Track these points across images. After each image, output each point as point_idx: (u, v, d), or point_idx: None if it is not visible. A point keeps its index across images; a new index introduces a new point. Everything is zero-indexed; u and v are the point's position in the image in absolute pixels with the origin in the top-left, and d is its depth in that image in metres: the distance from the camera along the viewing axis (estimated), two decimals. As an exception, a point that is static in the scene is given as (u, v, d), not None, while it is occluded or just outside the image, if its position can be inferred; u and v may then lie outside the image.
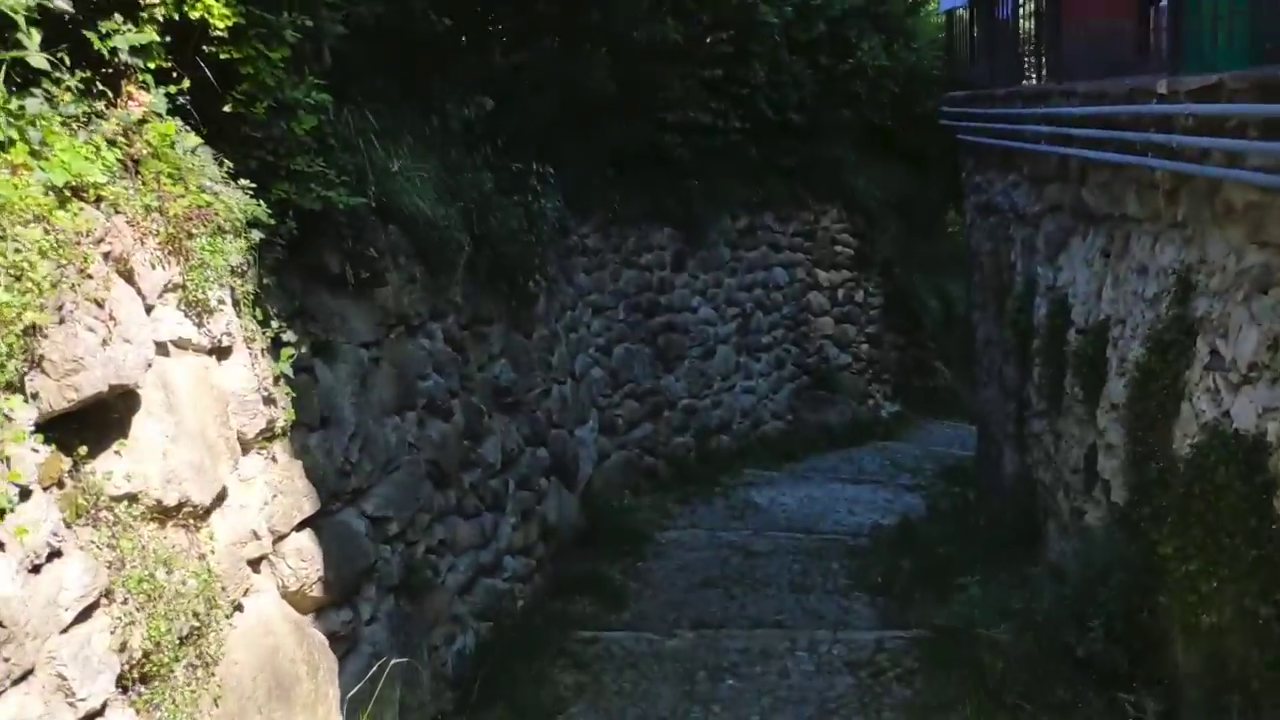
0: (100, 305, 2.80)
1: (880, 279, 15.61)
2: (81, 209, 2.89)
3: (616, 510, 8.74)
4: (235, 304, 3.74)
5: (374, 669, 4.45)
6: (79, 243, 2.79)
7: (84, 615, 2.64)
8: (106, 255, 2.95)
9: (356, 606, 4.49)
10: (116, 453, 2.93)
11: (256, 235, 3.72)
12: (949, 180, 17.15)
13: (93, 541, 2.75)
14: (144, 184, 3.25)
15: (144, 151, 3.30)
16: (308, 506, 3.99)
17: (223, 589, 3.28)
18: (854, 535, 8.45)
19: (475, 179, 6.52)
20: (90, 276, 2.80)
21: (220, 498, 3.45)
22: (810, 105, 13.01)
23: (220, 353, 3.62)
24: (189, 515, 3.22)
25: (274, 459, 3.85)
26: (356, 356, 4.83)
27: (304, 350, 4.15)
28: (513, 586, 6.67)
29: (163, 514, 3.09)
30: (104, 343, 2.77)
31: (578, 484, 8.39)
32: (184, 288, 3.38)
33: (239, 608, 3.45)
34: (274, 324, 3.91)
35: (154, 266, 3.21)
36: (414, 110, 6.13)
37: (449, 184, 6.16)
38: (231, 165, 3.76)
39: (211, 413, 3.44)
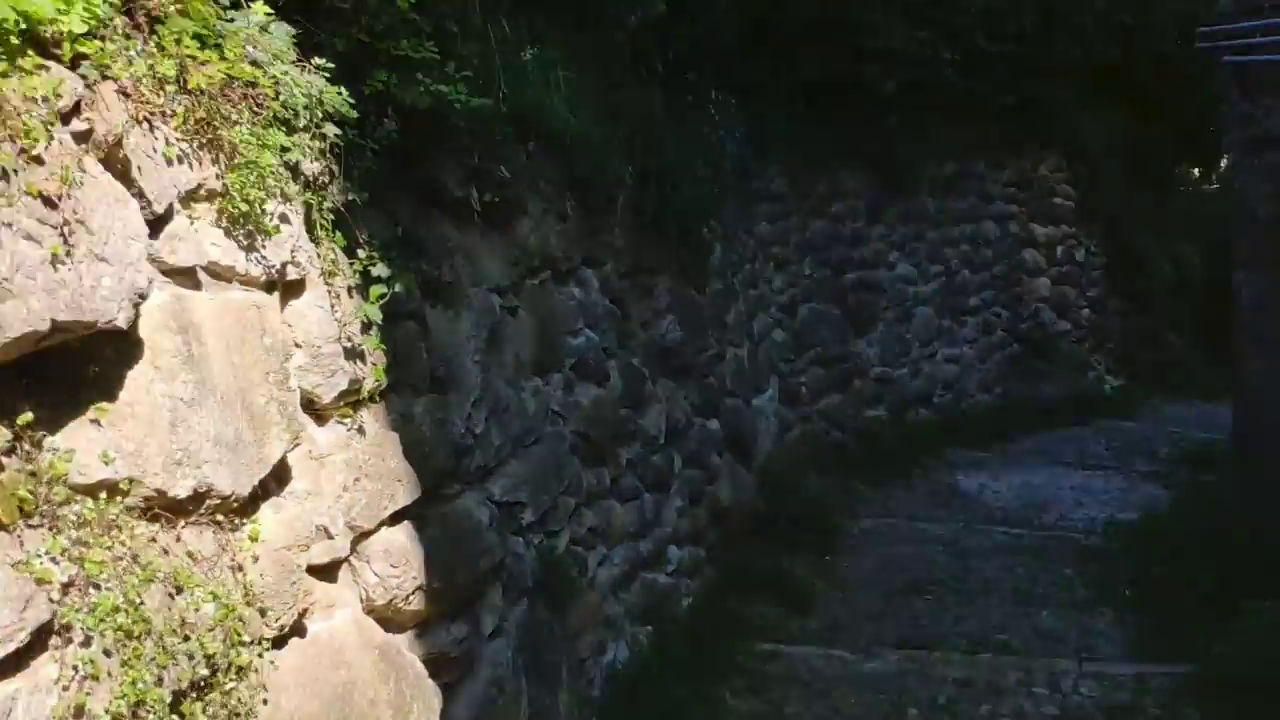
0: (53, 205, 1.89)
1: (1103, 237, 13.75)
2: (44, 67, 1.99)
3: (801, 492, 7.59)
4: (309, 226, 2.81)
5: (498, 697, 3.52)
6: (26, 111, 1.89)
7: (5, 667, 1.75)
8: (80, 136, 2.04)
9: (477, 616, 3.55)
10: (94, 422, 2.04)
11: (333, 131, 2.77)
12: (1182, 129, 15.12)
13: (40, 552, 1.86)
14: (160, 48, 2.33)
15: (169, 7, 2.38)
16: (402, 495, 3.04)
17: (263, 612, 2.37)
18: (1085, 533, 7.01)
19: (643, 97, 5.47)
20: (39, 161, 1.89)
21: (271, 485, 2.54)
22: (1030, 35, 11.34)
23: (283, 288, 2.70)
24: (217, 510, 2.31)
25: (360, 430, 2.92)
26: (485, 303, 3.87)
27: (408, 291, 3.20)
28: (679, 582, 5.65)
29: (170, 509, 2.19)
30: (54, 260, 1.86)
31: (755, 460, 7.29)
32: (224, 195, 2.46)
33: (292, 634, 2.54)
34: (362, 254, 2.97)
35: (171, 161, 2.29)
36: (566, 8, 5.11)
37: (609, 100, 5.13)
38: (307, 43, 2.84)
39: (261, 368, 2.52)
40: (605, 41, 5.38)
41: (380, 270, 2.99)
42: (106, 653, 1.91)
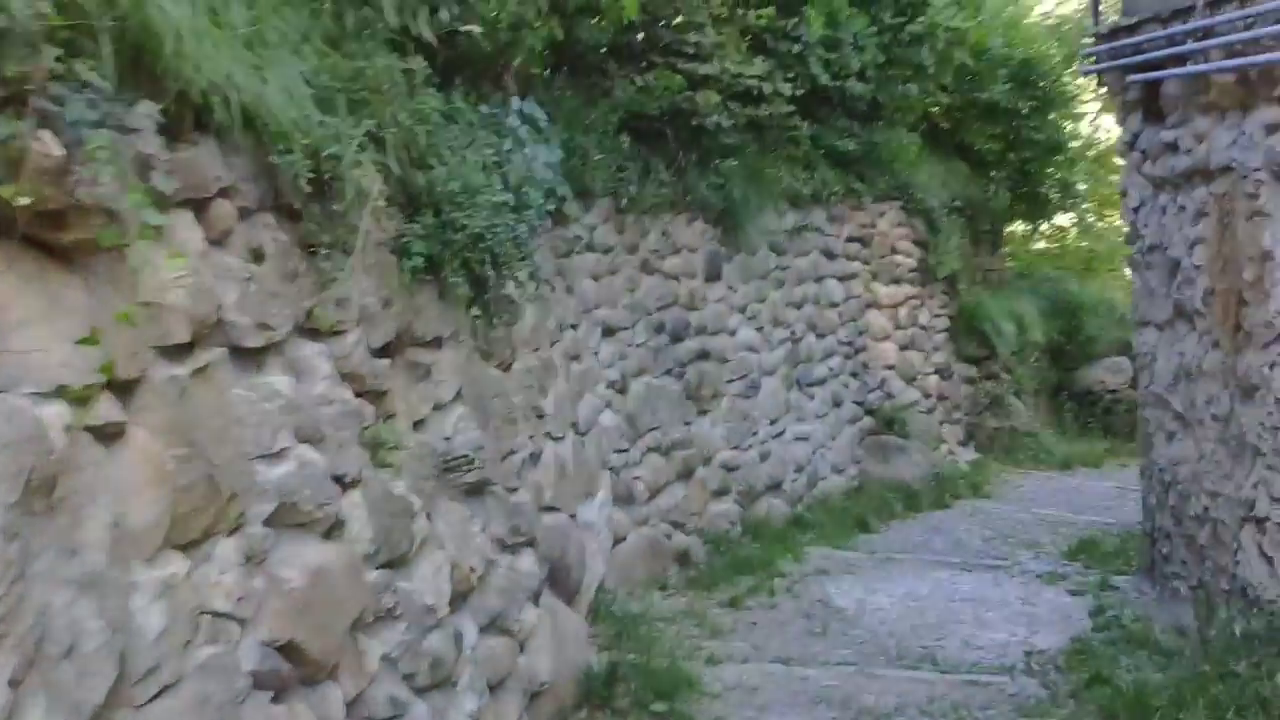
0: None
1: (945, 296, 12.83)
2: None
3: (643, 632, 5.81)
4: None
5: None
6: None
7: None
8: None
9: None
10: None
11: None
12: (1014, 183, 14.56)
13: None
14: None
15: None
16: None
17: None
18: (1006, 670, 5.48)
19: (405, 87, 3.66)
20: None
21: None
22: (872, 75, 10.25)
23: None
24: None
25: None
26: (23, 426, 1.95)
27: None
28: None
29: None
30: None
31: (584, 594, 5.48)
32: None
33: None
34: None
35: None
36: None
37: (349, 80, 3.30)
38: None
39: None
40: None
41: None
42: None
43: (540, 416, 4.97)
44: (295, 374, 2.94)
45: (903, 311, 11.71)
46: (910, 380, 11.64)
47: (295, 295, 2.99)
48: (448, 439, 3.91)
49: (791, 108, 8.73)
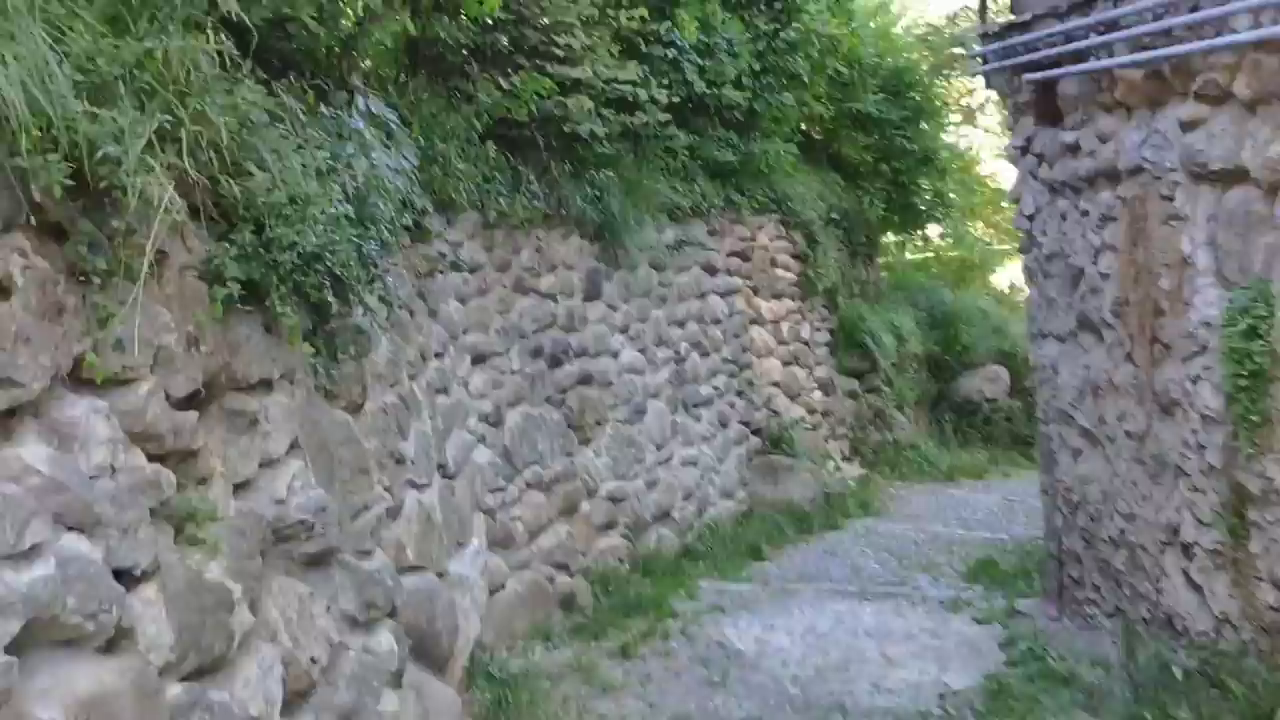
0: None
1: (825, 310, 12.59)
2: None
3: (520, 689, 5.19)
4: None
5: None
6: None
7: None
8: None
9: None
10: None
11: None
12: (887, 194, 14.48)
13: None
14: None
15: None
16: None
17: None
18: (921, 715, 5.07)
19: (213, 78, 2.98)
20: None
21: None
22: (747, 83, 9.90)
23: None
24: None
25: None
26: None
27: None
28: None
29: None
30: None
31: (456, 659, 4.83)
32: None
33: None
34: None
35: None
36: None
37: (132, 66, 2.62)
38: None
39: None
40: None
41: None
42: None
43: (400, 462, 4.31)
44: (58, 441, 2.24)
45: (785, 326, 11.39)
46: (795, 397, 11.32)
47: (59, 338, 2.29)
48: (281, 502, 3.23)
49: (667, 116, 8.28)
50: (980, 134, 20.87)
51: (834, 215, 12.85)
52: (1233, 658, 4.13)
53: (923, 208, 14.69)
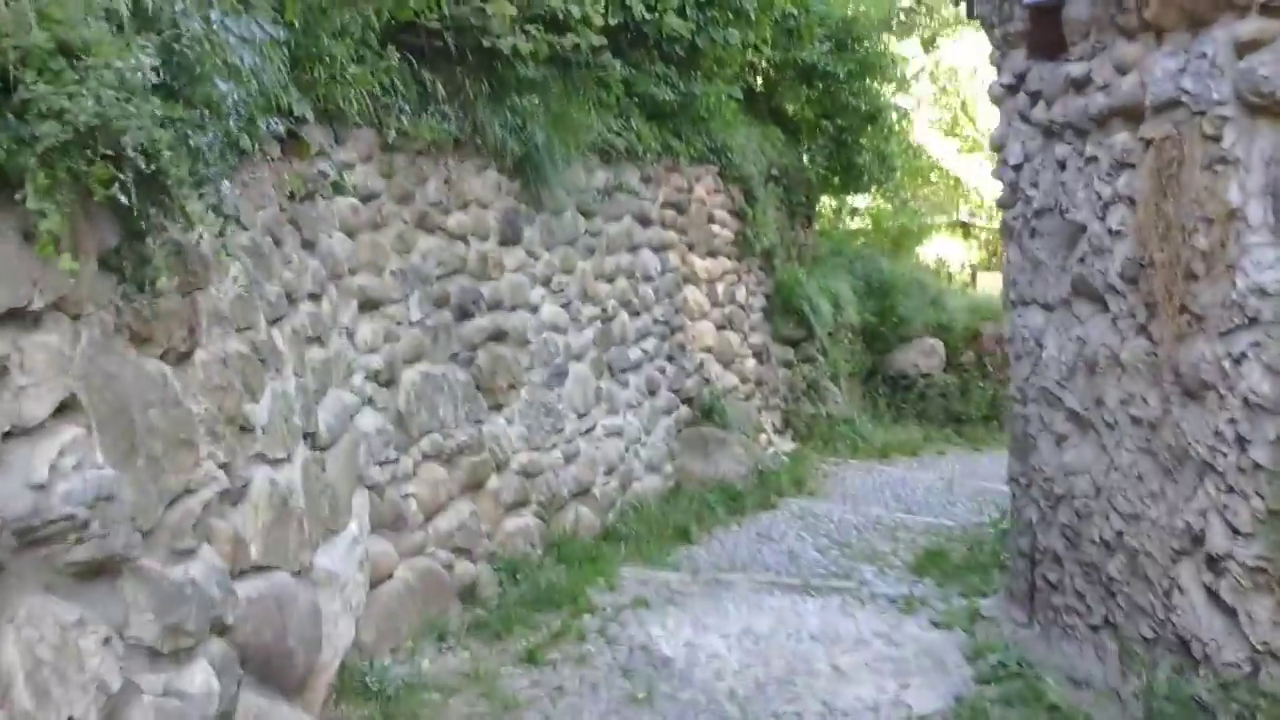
0: None
1: (762, 273, 11.76)
2: None
3: (403, 704, 4.26)
4: None
5: None
6: None
7: None
8: None
9: None
10: None
11: None
12: (829, 153, 13.71)
13: None
14: None
15: None
16: None
17: None
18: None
19: None
20: None
21: None
22: (691, 13, 8.93)
23: None
24: None
25: None
26: None
27: None
28: None
29: None
30: None
31: (320, 676, 3.85)
32: None
33: None
34: None
35: None
36: None
37: None
38: None
39: None
40: None
41: None
42: None
43: (246, 430, 3.30)
44: None
45: (720, 287, 10.52)
46: (728, 364, 10.48)
47: None
48: (40, 488, 2.22)
49: (602, 41, 7.24)
50: (912, 102, 20.12)
51: (774, 172, 12.02)
52: (1277, 701, 3.37)
53: (865, 169, 13.90)
